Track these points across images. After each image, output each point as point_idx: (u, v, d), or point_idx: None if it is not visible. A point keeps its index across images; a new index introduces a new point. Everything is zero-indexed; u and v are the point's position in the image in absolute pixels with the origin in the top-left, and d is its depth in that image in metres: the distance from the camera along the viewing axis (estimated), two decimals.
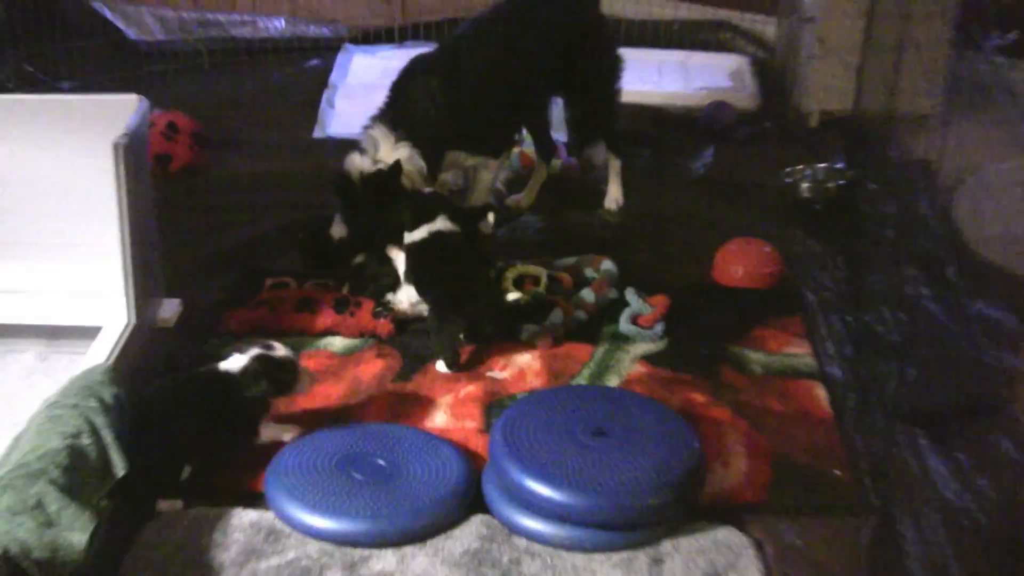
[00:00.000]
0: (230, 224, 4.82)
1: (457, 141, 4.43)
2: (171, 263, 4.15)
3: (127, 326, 3.48)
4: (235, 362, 3.22)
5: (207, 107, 5.92)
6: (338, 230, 4.20)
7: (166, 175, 5.26)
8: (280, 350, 3.29)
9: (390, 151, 4.20)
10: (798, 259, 4.56)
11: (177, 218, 4.81)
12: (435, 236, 3.92)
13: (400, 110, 4.29)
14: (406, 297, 4.00)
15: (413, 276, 3.92)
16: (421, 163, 4.25)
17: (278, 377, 3.23)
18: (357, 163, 4.17)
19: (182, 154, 5.31)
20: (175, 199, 5.02)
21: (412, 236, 3.94)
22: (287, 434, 3.27)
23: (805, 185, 5.03)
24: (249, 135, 5.76)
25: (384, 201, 4.11)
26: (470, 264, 3.91)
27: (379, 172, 4.12)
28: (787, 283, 4.36)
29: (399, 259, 4.05)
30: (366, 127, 4.28)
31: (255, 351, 3.25)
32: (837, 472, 3.27)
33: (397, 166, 4.13)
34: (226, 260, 4.53)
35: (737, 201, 5.14)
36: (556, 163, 5.28)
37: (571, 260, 4.35)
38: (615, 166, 5.04)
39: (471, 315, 3.82)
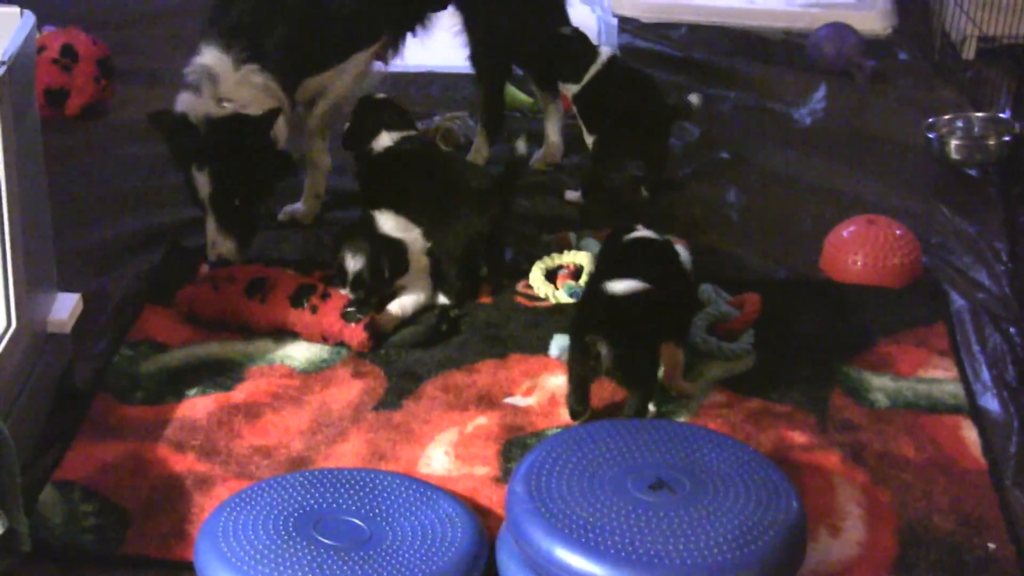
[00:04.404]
0: (150, 188, 4.89)
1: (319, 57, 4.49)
2: (68, 243, 4.23)
3: (5, 332, 3.53)
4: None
5: (117, 24, 6.00)
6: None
7: (61, 118, 5.34)
8: None
9: (238, 83, 4.28)
10: (943, 246, 4.60)
11: (76, 179, 4.88)
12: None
13: (234, 17, 4.36)
14: (412, 302, 4.17)
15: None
16: (281, 93, 4.36)
17: None
18: (194, 103, 4.27)
19: (83, 89, 5.39)
20: (73, 152, 5.09)
21: None
22: None
23: (955, 143, 5.07)
24: (174, 62, 5.82)
25: (248, 158, 4.25)
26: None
27: (236, 118, 4.24)
28: (926, 280, 4.42)
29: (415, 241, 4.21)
30: (196, 54, 4.35)
31: None
32: (992, 546, 3.31)
33: (274, 114, 4.25)
34: (145, 239, 4.61)
35: (859, 164, 5.19)
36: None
37: None
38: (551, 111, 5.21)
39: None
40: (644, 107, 4.81)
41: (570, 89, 4.87)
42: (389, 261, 4.10)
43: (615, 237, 3.96)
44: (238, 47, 4.30)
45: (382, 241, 4.14)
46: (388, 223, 4.19)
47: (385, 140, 4.42)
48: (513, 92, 5.42)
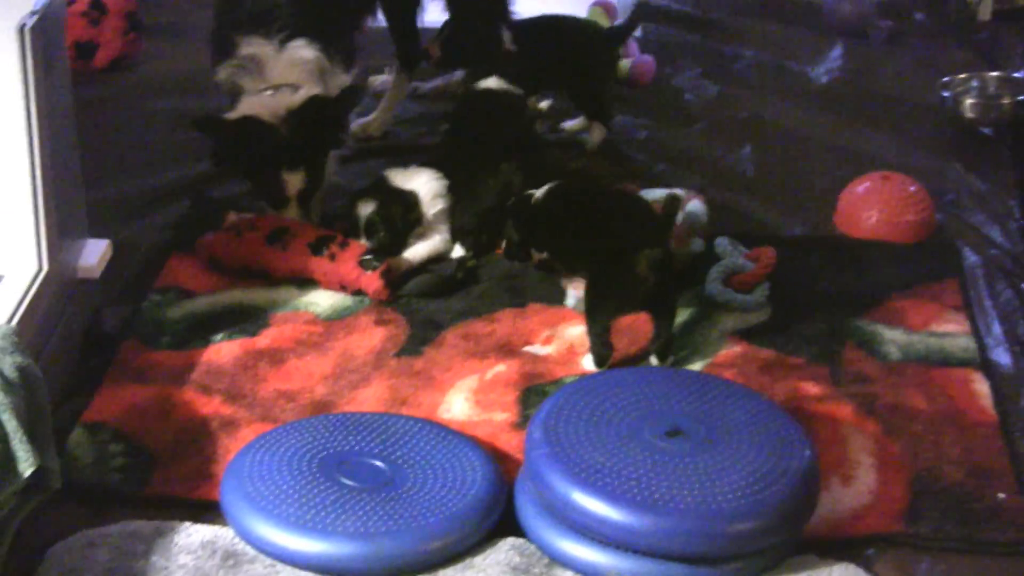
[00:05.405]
0: (177, 139, 4.89)
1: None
2: (97, 192, 4.24)
3: (37, 275, 3.55)
4: None
5: None
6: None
7: (90, 71, 5.35)
8: None
9: (289, 63, 4.20)
10: (956, 203, 4.60)
11: (105, 130, 4.89)
12: None
13: (250, 4, 4.26)
14: (426, 249, 4.19)
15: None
16: (328, 64, 4.28)
17: None
18: (261, 103, 4.15)
19: (111, 42, 5.40)
20: (102, 104, 5.10)
21: None
22: None
23: (970, 102, 5.07)
24: (204, 16, 5.83)
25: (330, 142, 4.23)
26: None
27: (315, 103, 4.14)
28: (939, 236, 4.42)
29: (424, 186, 4.20)
30: (221, 52, 4.27)
31: None
32: (1001, 496, 3.31)
33: (354, 92, 4.24)
34: (172, 188, 4.64)
35: (873, 122, 5.18)
36: (625, 63, 5.35)
37: (658, 194, 4.38)
38: None
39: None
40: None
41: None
42: (401, 210, 4.13)
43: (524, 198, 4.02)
44: (276, 28, 4.20)
45: (393, 192, 4.17)
46: (399, 176, 4.22)
47: (489, 83, 4.47)
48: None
